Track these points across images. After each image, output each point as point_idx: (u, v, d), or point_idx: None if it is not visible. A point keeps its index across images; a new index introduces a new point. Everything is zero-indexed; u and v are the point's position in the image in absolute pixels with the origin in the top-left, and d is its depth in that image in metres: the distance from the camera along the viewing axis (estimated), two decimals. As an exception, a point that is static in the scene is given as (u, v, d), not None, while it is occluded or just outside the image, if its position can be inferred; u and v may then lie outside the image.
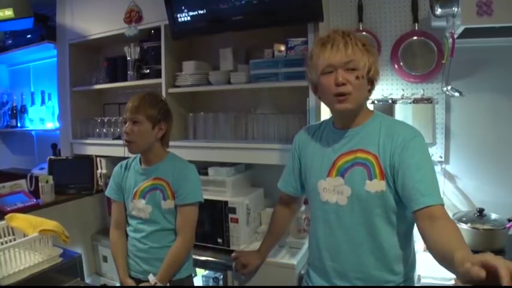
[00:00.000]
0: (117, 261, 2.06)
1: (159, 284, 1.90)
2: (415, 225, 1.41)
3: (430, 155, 1.52)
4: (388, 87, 2.48)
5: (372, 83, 1.53)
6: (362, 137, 1.53)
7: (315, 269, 1.66)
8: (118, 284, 2.89)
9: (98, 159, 3.29)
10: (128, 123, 1.94)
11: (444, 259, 1.17)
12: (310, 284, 1.68)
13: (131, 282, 1.99)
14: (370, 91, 1.56)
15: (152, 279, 1.91)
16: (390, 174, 1.45)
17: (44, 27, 3.53)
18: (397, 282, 1.53)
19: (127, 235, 2.10)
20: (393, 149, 1.45)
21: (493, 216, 2.12)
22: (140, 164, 2.07)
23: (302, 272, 2.16)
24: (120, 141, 2.10)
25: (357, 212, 1.49)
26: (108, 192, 2.15)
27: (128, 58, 3.07)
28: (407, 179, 1.39)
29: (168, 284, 1.94)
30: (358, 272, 1.51)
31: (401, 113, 2.40)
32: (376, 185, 1.46)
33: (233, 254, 2.21)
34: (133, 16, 2.94)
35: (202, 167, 2.69)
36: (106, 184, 2.22)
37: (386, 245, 1.50)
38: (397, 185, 1.43)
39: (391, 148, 1.45)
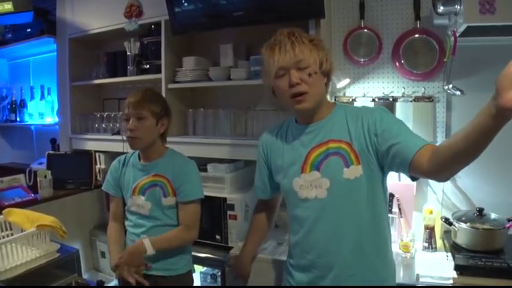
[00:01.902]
0: (110, 248, 2.04)
1: (147, 241, 1.87)
2: (420, 170, 1.35)
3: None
4: (389, 85, 2.47)
5: (327, 76, 1.55)
6: (330, 128, 1.53)
7: (299, 267, 1.63)
8: (115, 280, 2.89)
9: (97, 154, 3.29)
10: (131, 120, 1.92)
11: (466, 135, 1.12)
12: (294, 284, 1.65)
13: (143, 243, 1.91)
14: (327, 84, 1.57)
15: (145, 238, 1.90)
16: (372, 151, 1.45)
17: (44, 22, 3.53)
18: (385, 267, 1.56)
19: (125, 230, 2.10)
20: (365, 129, 1.46)
21: (493, 216, 2.11)
22: (139, 159, 2.06)
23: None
24: (119, 137, 2.08)
25: (338, 202, 1.49)
26: (105, 186, 2.14)
27: (128, 53, 3.06)
28: (391, 140, 1.39)
29: (154, 252, 1.89)
30: (347, 262, 1.50)
31: (402, 111, 2.39)
32: (355, 171, 1.47)
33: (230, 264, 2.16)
34: (133, 11, 2.93)
35: (202, 163, 2.68)
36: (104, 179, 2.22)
37: (372, 231, 1.51)
38: (382, 153, 1.43)
39: (362, 129, 1.47)
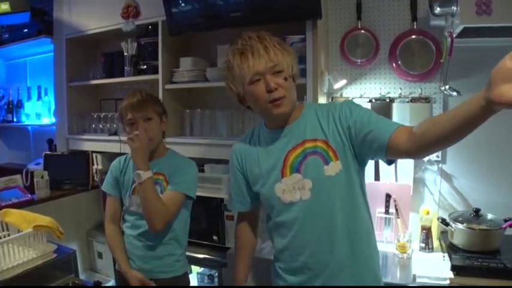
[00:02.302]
0: (117, 254, 2.01)
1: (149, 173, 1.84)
2: (397, 151, 1.35)
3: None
4: (386, 86, 2.47)
5: (294, 78, 1.54)
6: (304, 129, 1.53)
7: (290, 271, 1.60)
8: (112, 280, 2.89)
9: (94, 155, 3.29)
10: (139, 123, 1.91)
11: (450, 118, 1.12)
12: (287, 285, 1.63)
13: (136, 274, 1.94)
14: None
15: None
16: (348, 145, 1.47)
17: (41, 22, 3.52)
18: (372, 254, 1.58)
19: (122, 232, 2.08)
20: (337, 124, 1.48)
21: (489, 216, 2.12)
22: None
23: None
24: (116, 137, 2.07)
25: (323, 200, 1.49)
26: (104, 186, 2.11)
27: (125, 54, 3.06)
28: (365, 129, 1.40)
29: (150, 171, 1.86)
30: (339, 257, 1.50)
31: (399, 112, 2.40)
32: (335, 167, 1.47)
33: None
34: (130, 11, 2.93)
35: (199, 164, 2.66)
36: (102, 180, 2.20)
37: (357, 221, 1.53)
38: (358, 143, 1.44)
39: (335, 124, 1.48)
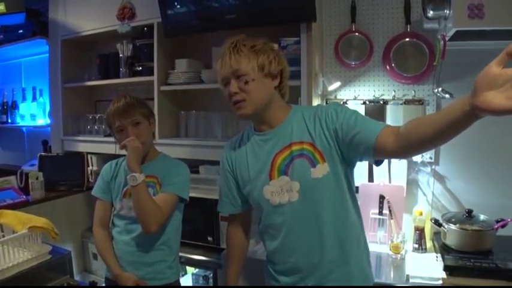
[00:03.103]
0: (109, 259, 1.97)
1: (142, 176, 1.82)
2: (384, 152, 1.37)
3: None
4: (380, 88, 2.49)
5: (276, 77, 1.56)
6: (290, 131, 1.55)
7: (283, 272, 1.62)
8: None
9: (89, 156, 3.29)
10: (129, 128, 1.89)
11: (436, 121, 1.13)
12: (280, 285, 1.65)
13: (129, 277, 1.91)
14: (280, 85, 1.58)
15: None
16: (334, 147, 1.48)
17: (36, 23, 3.51)
18: (361, 252, 1.59)
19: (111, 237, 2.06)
20: (323, 126, 1.49)
21: (482, 217, 2.14)
22: None
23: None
24: (111, 139, 2.06)
25: (310, 201, 1.51)
26: (95, 191, 2.08)
27: (120, 55, 3.06)
28: (352, 131, 1.41)
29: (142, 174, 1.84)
30: (329, 256, 1.52)
31: (393, 113, 2.42)
32: (321, 169, 1.49)
33: None
34: (126, 13, 2.93)
35: (193, 165, 2.68)
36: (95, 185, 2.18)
37: (346, 222, 1.54)
38: (345, 145, 1.45)
39: (321, 127, 1.50)
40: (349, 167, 1.55)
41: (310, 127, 1.52)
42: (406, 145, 1.25)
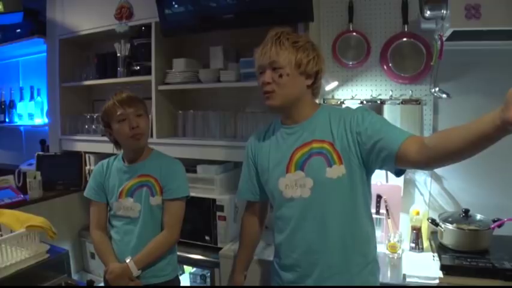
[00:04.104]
0: (108, 257, 1.96)
1: (132, 264, 1.87)
2: (407, 161, 1.36)
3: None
4: (377, 87, 2.50)
5: (310, 76, 1.59)
6: (314, 129, 1.58)
7: (285, 267, 1.65)
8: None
9: (87, 155, 3.28)
10: (131, 118, 1.89)
11: (461, 135, 1.13)
12: (282, 284, 1.67)
13: (129, 267, 1.88)
14: (312, 85, 1.61)
15: (128, 259, 1.88)
16: (354, 151, 1.49)
17: (34, 22, 3.51)
18: (366, 263, 1.58)
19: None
20: (347, 129, 1.51)
21: (478, 217, 2.14)
22: (123, 162, 2.04)
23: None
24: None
25: (321, 200, 1.53)
26: (87, 193, 2.07)
27: (118, 54, 3.06)
28: (375, 136, 1.42)
29: (140, 271, 1.89)
30: (331, 260, 1.53)
31: (390, 113, 2.42)
32: (337, 171, 1.51)
33: None
34: (124, 12, 2.93)
35: (191, 165, 2.69)
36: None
37: (355, 229, 1.55)
38: (367, 151, 1.46)
39: (344, 129, 1.51)
40: (367, 173, 1.55)
41: (333, 127, 1.54)
42: (432, 156, 1.25)
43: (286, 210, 1.61)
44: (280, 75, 1.53)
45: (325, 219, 1.53)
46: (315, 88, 1.64)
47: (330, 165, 1.51)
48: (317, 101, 1.71)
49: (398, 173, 1.49)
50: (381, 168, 1.52)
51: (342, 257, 1.53)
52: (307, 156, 1.55)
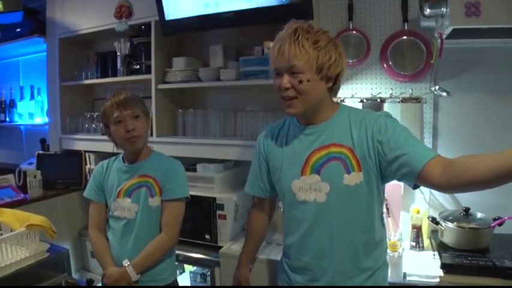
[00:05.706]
0: (105, 262, 1.93)
1: (130, 269, 1.84)
2: (428, 182, 1.34)
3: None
4: (377, 86, 2.49)
5: (331, 78, 1.48)
6: (333, 131, 1.51)
7: (294, 269, 1.63)
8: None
9: (87, 154, 3.28)
10: (127, 120, 1.87)
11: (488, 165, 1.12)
12: (291, 284, 1.65)
13: (127, 272, 1.86)
14: (332, 87, 1.51)
15: (126, 262, 1.86)
16: (374, 159, 1.44)
17: (34, 21, 3.51)
18: (377, 268, 1.56)
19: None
20: (369, 136, 1.44)
21: (479, 215, 2.14)
22: (123, 162, 2.02)
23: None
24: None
25: (337, 207, 1.49)
26: (87, 193, 2.06)
27: (118, 53, 3.07)
28: (399, 150, 1.37)
29: (139, 275, 1.87)
30: (342, 266, 1.52)
31: (390, 112, 2.37)
32: (355, 178, 1.46)
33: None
34: (123, 11, 2.93)
35: (191, 164, 2.69)
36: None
37: (368, 236, 1.53)
38: (387, 162, 1.41)
39: (366, 135, 1.45)
40: (382, 181, 1.50)
41: (354, 132, 1.48)
42: (455, 183, 1.24)
43: (298, 212, 1.56)
44: (300, 81, 1.42)
45: (339, 226, 1.50)
46: (335, 89, 1.54)
47: (349, 172, 1.46)
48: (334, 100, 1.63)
49: (415, 186, 1.44)
50: (399, 180, 1.46)
51: (353, 263, 1.51)
52: (324, 160, 1.49)
